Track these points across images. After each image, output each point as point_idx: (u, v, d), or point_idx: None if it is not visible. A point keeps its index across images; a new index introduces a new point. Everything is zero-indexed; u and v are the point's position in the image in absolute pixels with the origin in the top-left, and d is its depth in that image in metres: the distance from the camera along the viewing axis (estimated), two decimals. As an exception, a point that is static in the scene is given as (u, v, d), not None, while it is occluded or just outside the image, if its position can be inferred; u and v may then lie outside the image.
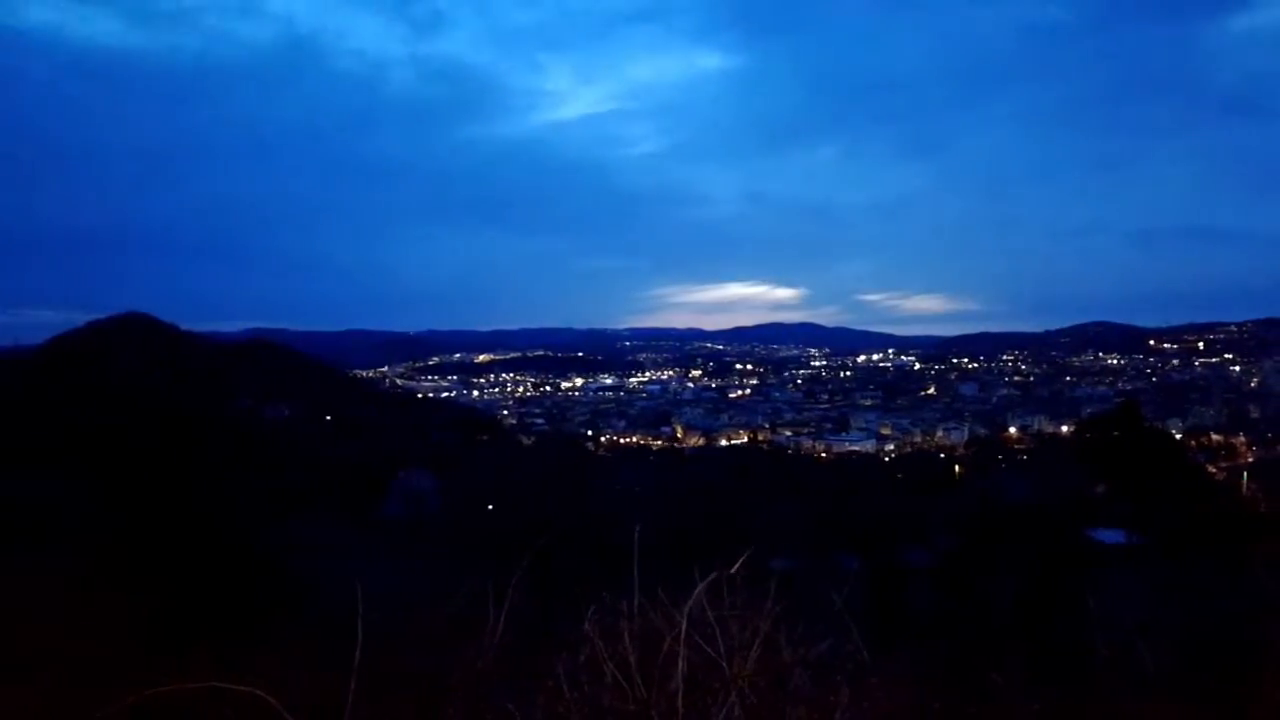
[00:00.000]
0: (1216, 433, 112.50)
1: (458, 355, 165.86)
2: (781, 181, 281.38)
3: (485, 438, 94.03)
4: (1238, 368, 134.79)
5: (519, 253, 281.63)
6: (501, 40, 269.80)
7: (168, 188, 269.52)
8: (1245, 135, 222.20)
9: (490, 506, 28.48)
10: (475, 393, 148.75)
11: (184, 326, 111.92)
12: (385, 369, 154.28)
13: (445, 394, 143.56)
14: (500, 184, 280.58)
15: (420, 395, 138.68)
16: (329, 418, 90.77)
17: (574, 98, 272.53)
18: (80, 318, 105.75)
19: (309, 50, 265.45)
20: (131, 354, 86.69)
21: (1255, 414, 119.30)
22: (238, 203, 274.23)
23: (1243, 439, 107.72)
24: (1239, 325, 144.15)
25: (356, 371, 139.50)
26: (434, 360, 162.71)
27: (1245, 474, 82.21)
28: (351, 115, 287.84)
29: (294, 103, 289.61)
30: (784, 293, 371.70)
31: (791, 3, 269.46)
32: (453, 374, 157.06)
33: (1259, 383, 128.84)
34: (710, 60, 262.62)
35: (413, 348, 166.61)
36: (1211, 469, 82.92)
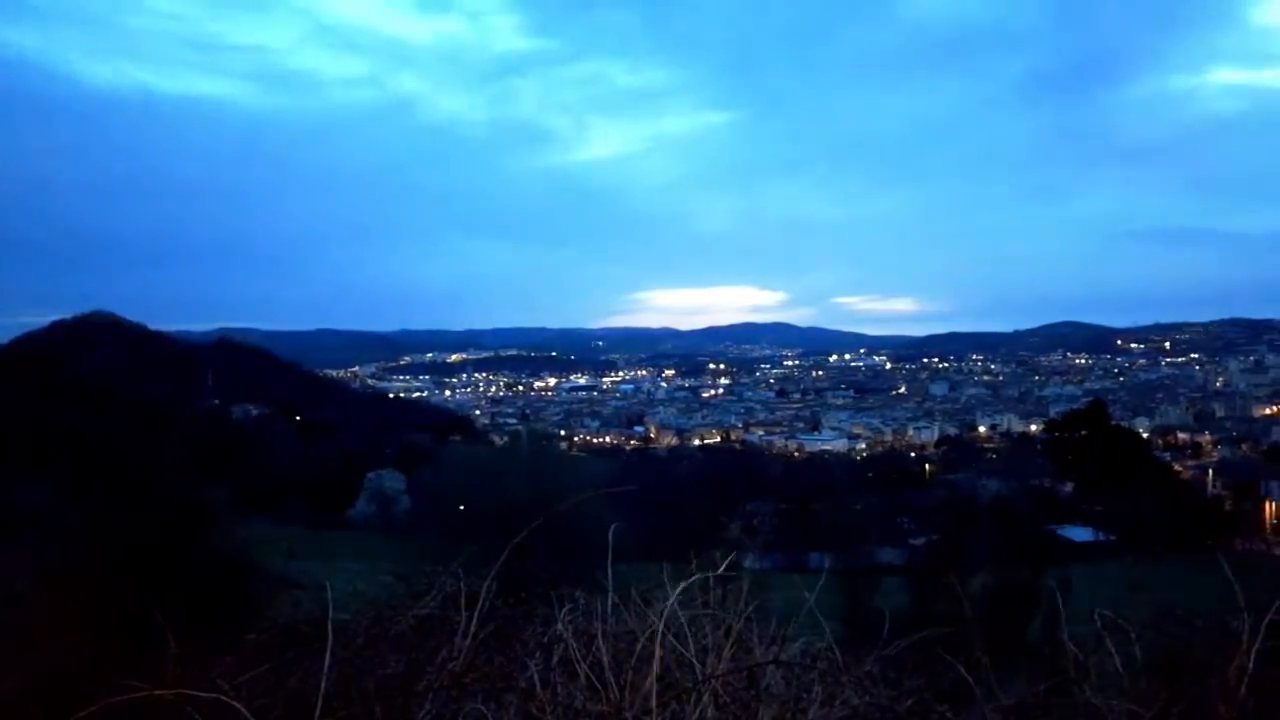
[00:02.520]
0: (1183, 431, 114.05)
1: (430, 355, 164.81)
2: (768, 204, 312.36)
3: (457, 438, 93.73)
4: (1200, 368, 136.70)
5: (525, 262, 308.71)
6: (561, 108, 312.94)
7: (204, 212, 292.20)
8: (1146, 172, 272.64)
9: (461, 507, 28.39)
10: (448, 393, 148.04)
11: (152, 326, 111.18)
12: (356, 369, 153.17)
13: (417, 394, 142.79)
14: (524, 206, 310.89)
15: (392, 395, 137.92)
16: (298, 418, 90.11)
17: (607, 143, 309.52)
18: (44, 318, 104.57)
19: (404, 109, 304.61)
20: (97, 353, 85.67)
21: (1221, 413, 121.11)
22: (263, 221, 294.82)
23: (1208, 437, 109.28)
24: (1205, 325, 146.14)
25: (327, 371, 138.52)
26: (406, 360, 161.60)
27: (1211, 472, 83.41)
28: (419, 155, 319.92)
29: (373, 147, 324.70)
30: (763, 297, 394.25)
31: (788, 79, 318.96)
32: (425, 374, 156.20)
33: (1224, 382, 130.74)
34: (719, 117, 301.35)
35: (384, 347, 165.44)
36: (1178, 468, 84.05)
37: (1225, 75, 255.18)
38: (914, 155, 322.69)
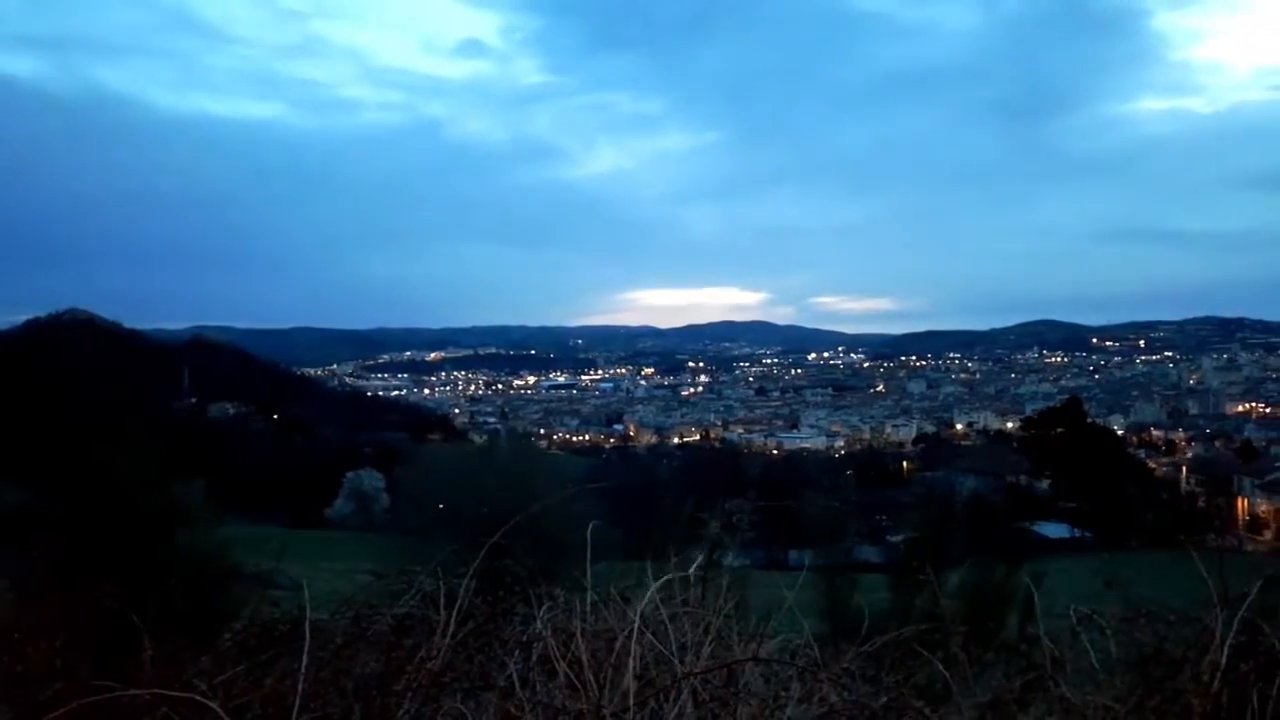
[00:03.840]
0: (1157, 428, 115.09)
1: (408, 353, 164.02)
2: (752, 212, 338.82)
3: (436, 436, 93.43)
4: (1174, 366, 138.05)
5: (514, 264, 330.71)
6: (573, 130, 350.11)
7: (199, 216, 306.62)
8: (1098, 184, 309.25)
9: (440, 506, 28.32)
10: (426, 391, 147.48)
11: (127, 325, 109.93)
12: (334, 367, 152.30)
13: (395, 392, 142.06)
14: (522, 213, 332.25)
15: (370, 394, 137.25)
16: (275, 416, 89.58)
17: (610, 159, 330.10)
18: (17, 316, 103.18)
19: (430, 129, 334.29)
20: (71, 353, 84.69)
21: (1194, 410, 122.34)
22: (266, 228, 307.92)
23: (1182, 434, 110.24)
24: (1179, 324, 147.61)
25: (304, 370, 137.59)
26: (384, 358, 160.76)
27: (1184, 469, 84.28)
28: (433, 170, 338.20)
29: (391, 163, 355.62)
30: (744, 297, 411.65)
31: (775, 107, 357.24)
32: (403, 372, 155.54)
33: (1198, 380, 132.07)
34: (710, 136, 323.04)
35: (362, 345, 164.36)
36: (1152, 465, 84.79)
37: (1151, 103, 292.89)
38: (888, 170, 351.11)
